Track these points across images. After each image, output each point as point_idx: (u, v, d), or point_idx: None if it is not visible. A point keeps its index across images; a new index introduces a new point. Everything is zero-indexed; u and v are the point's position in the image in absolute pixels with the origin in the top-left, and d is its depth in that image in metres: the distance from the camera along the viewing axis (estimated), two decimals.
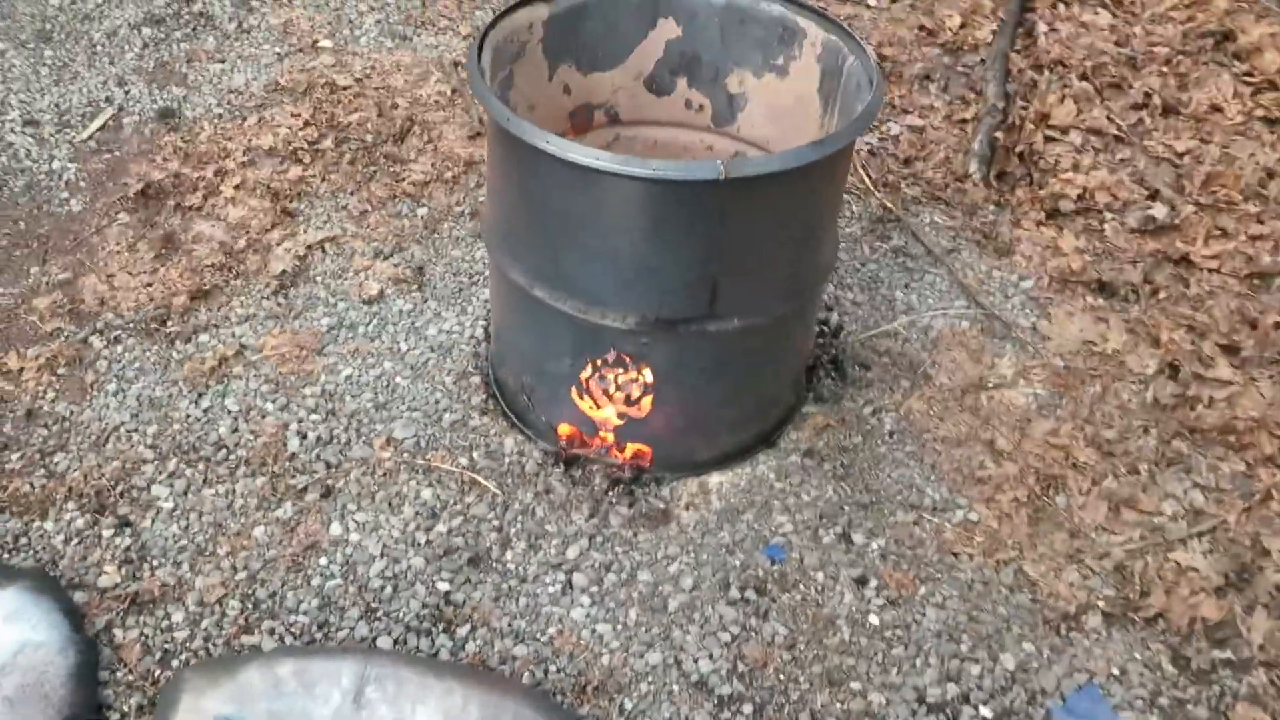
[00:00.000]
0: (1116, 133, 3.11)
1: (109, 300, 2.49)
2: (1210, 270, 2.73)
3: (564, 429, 2.19)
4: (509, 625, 1.95)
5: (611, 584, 2.02)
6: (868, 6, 3.66)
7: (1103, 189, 2.90)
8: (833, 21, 2.14)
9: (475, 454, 2.22)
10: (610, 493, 2.16)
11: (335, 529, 2.07)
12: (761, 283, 1.98)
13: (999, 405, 2.40)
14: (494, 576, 2.02)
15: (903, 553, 2.11)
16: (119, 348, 2.40)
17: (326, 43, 3.35)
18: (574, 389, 2.12)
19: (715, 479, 2.21)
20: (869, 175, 2.98)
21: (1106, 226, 2.83)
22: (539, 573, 2.03)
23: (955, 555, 2.11)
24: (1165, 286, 2.68)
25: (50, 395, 2.29)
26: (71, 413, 2.26)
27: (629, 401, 2.10)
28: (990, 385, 2.45)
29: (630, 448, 2.18)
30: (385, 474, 2.17)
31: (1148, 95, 3.24)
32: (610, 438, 2.17)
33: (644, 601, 2.00)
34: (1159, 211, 2.85)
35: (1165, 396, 2.42)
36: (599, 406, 2.12)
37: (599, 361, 2.06)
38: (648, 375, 2.05)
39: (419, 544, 2.06)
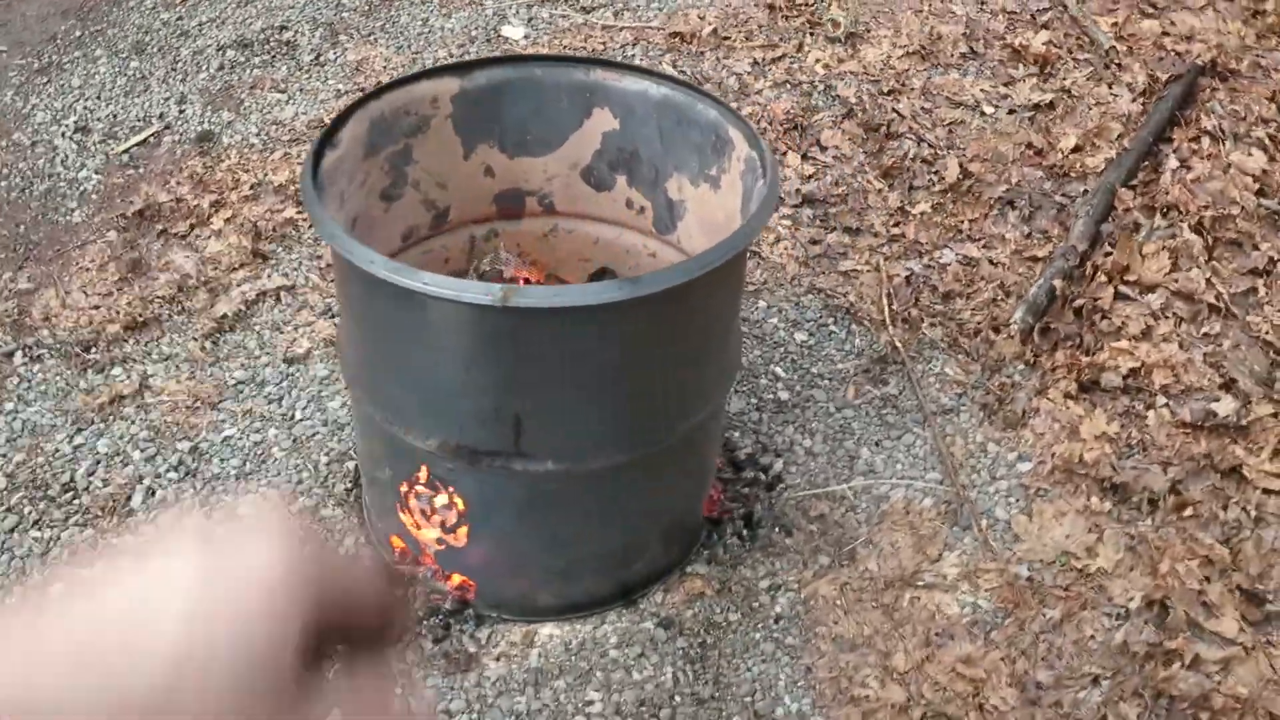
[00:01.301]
0: (1213, 301, 2.58)
1: (53, 317, 2.50)
2: (1266, 491, 2.19)
3: (396, 541, 1.99)
4: None
5: None
6: (982, 114, 3.26)
7: (1164, 367, 2.41)
8: (757, 137, 1.84)
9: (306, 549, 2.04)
10: (423, 622, 1.94)
11: None
12: (581, 426, 1.71)
13: (922, 610, 2.00)
14: None
15: None
16: (37, 367, 2.39)
17: None
18: (397, 502, 1.91)
19: (547, 630, 1.94)
20: (890, 305, 2.61)
21: (1151, 414, 2.34)
22: None
23: None
24: (1196, 503, 2.17)
25: None
26: None
27: (445, 528, 1.87)
28: (923, 583, 2.05)
29: (456, 577, 1.95)
30: None
31: (1274, 261, 2.69)
32: (434, 561, 1.94)
33: None
34: (1225, 406, 2.33)
35: (1138, 642, 1.94)
36: (419, 526, 1.90)
37: (413, 478, 1.84)
38: (460, 503, 1.82)
39: None
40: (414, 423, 1.74)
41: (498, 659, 1.89)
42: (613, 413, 1.71)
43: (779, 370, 2.45)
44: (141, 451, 2.21)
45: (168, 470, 2.17)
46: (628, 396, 1.71)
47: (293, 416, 2.30)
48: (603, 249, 2.24)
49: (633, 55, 3.44)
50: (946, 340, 2.53)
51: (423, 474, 1.81)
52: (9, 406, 2.30)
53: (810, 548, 2.10)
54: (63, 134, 3.08)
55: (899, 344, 2.51)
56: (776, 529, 2.13)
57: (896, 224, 2.84)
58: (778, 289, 2.65)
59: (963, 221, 2.86)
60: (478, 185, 2.14)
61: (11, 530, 2.06)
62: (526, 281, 2.24)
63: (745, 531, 2.12)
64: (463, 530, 1.86)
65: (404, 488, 1.87)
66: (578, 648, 1.91)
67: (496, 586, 1.94)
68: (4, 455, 2.20)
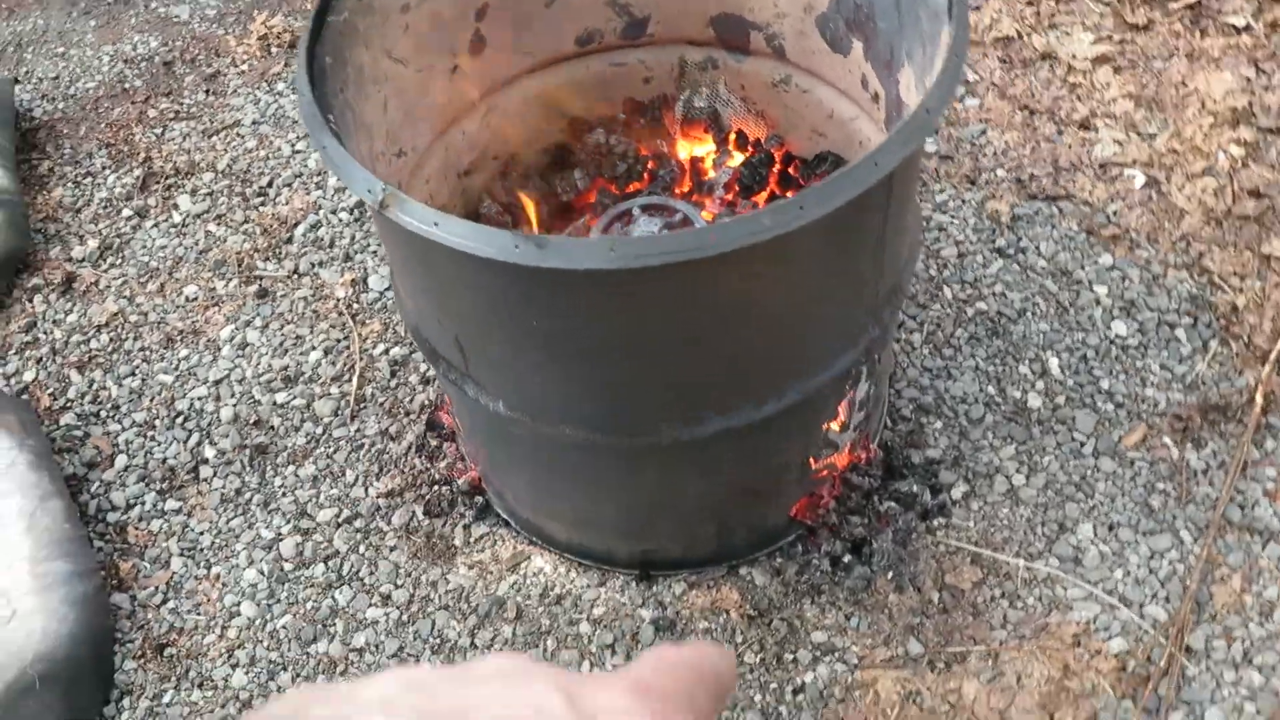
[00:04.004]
0: None
1: None
2: None
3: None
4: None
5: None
6: None
7: None
8: (958, 43, 1.14)
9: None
10: (434, 488, 1.71)
11: (225, 332, 1.93)
12: (527, 381, 1.29)
13: None
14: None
15: None
16: None
17: None
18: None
19: (539, 563, 1.63)
20: None
21: None
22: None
23: None
24: None
25: (243, 69, 2.34)
26: (231, 90, 2.29)
27: (441, 407, 1.59)
28: None
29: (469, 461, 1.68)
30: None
31: None
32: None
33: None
34: None
35: None
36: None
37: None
38: (433, 395, 1.52)
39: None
40: (399, 300, 1.44)
41: (471, 567, 1.63)
42: (563, 380, 1.27)
43: (1054, 362, 1.72)
44: (344, 194, 2.11)
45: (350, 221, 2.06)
46: (585, 367, 1.25)
47: None
48: (837, 128, 1.64)
49: None
50: None
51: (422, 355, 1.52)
52: (279, 87, 2.29)
53: (909, 623, 1.52)
54: None
55: (1262, 396, 1.64)
56: (889, 575, 1.57)
57: None
58: (1146, 245, 1.83)
59: None
60: None
61: (198, 216, 2.09)
62: (739, 138, 1.72)
63: (847, 558, 1.58)
64: (447, 418, 1.57)
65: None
66: (554, 599, 1.59)
67: (502, 498, 1.64)
68: (241, 137, 2.21)
